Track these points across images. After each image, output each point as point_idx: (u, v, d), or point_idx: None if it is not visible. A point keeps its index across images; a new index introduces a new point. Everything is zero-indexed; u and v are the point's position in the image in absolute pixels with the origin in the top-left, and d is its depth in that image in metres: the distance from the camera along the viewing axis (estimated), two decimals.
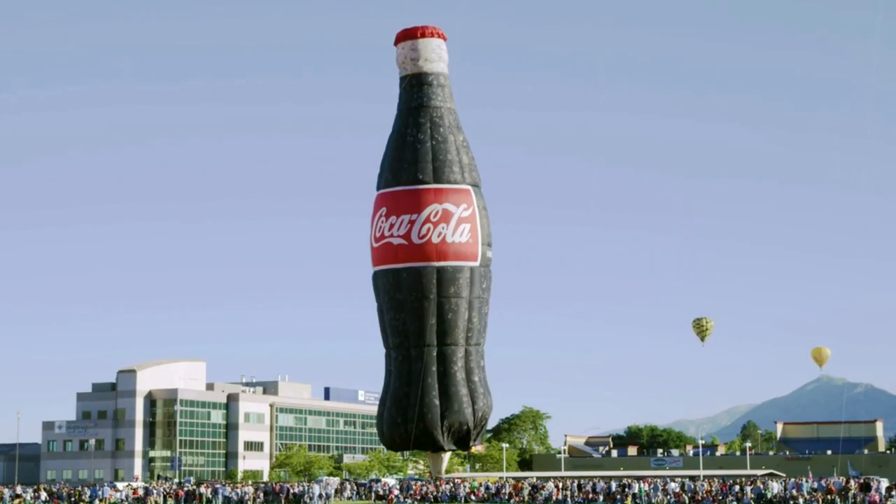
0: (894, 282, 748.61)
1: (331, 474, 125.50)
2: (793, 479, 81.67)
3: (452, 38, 34.33)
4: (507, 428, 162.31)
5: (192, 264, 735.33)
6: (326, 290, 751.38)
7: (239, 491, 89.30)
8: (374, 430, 54.47)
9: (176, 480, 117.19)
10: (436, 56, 33.69)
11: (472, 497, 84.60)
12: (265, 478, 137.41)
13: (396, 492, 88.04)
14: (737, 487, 78.34)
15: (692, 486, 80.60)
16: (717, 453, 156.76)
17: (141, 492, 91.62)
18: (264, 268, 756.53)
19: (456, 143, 33.33)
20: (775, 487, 76.78)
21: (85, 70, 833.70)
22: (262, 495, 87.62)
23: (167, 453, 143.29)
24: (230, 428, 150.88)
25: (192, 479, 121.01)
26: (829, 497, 73.57)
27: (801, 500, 73.67)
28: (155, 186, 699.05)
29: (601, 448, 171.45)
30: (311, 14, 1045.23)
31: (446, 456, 34.39)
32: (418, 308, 32.49)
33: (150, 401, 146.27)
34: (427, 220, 32.38)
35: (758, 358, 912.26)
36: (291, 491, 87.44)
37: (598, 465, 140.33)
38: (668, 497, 78.32)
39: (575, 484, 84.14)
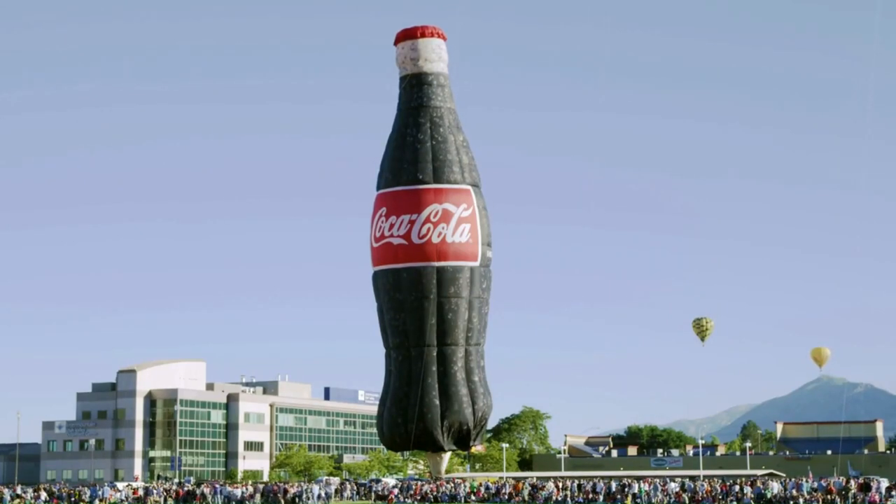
0: (894, 282, 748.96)
1: (331, 474, 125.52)
2: (793, 479, 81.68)
3: (452, 38, 34.30)
4: (507, 428, 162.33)
5: (192, 264, 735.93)
6: (326, 290, 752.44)
7: (236, 491, 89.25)
8: (374, 430, 54.47)
9: (176, 480, 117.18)
10: (436, 56, 33.66)
11: (472, 497, 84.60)
12: (265, 478, 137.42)
13: (396, 492, 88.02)
14: (737, 487, 78.34)
15: (692, 486, 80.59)
16: (717, 453, 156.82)
17: (141, 492, 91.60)
18: (264, 268, 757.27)
19: (456, 143, 33.31)
20: (775, 487, 76.77)
21: (85, 70, 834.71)
22: (258, 496, 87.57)
23: (167, 453, 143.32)
24: (230, 428, 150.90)
25: (192, 479, 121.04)
26: (829, 497, 73.56)
27: (801, 500, 73.66)
28: (155, 186, 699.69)
29: (601, 448, 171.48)
30: (311, 14, 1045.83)
31: (446, 456, 34.38)
32: (418, 308, 32.47)
33: (150, 401, 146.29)
34: (427, 220, 32.36)
35: (758, 358, 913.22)
36: (289, 491, 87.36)
37: (598, 465, 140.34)
38: (668, 497, 78.32)
39: (575, 484, 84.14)
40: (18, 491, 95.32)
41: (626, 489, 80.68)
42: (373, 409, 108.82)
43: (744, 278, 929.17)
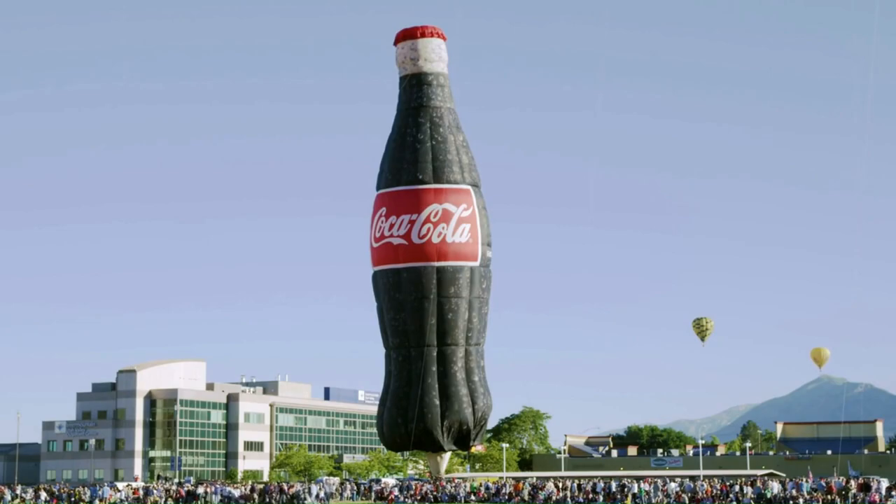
0: (894, 282, 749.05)
1: (331, 474, 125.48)
2: (793, 479, 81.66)
3: (452, 38, 34.32)
4: (507, 428, 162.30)
5: (192, 264, 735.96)
6: (326, 290, 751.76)
7: (235, 491, 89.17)
8: (374, 430, 54.51)
9: (176, 480, 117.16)
10: (435, 56, 33.71)
11: (473, 497, 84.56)
12: (265, 478, 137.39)
13: (396, 492, 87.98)
14: (737, 487, 78.31)
15: (692, 486, 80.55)
16: (717, 453, 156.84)
17: (141, 492, 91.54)
18: (264, 268, 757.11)
19: (456, 142, 33.36)
20: (775, 487, 76.72)
21: (85, 70, 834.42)
22: (256, 496, 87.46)
23: (167, 453, 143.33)
24: (230, 428, 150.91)
25: (192, 479, 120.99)
26: (829, 497, 73.52)
27: (801, 500, 73.62)
28: (155, 186, 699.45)
29: (601, 448, 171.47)
30: (311, 14, 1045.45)
31: (446, 456, 34.42)
32: (418, 308, 32.53)
33: (150, 401, 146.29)
34: (427, 220, 32.43)
35: (758, 358, 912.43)
36: (287, 491, 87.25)
37: (598, 465, 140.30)
38: (668, 497, 78.29)
39: (575, 484, 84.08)
40: (18, 491, 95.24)
41: (626, 489, 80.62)
42: (373, 409, 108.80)
43: (744, 278, 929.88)
